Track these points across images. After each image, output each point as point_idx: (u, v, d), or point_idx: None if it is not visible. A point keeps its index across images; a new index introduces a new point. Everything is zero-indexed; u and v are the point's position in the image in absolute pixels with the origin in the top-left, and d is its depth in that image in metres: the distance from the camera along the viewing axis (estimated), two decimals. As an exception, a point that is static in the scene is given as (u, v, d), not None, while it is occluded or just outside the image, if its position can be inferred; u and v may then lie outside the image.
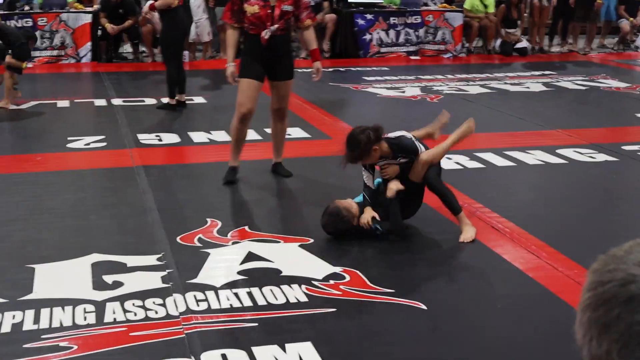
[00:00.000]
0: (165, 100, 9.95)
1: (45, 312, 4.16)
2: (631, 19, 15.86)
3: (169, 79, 9.74)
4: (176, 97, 9.80)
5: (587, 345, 1.11)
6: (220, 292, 4.44)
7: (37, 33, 13.52)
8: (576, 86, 12.30)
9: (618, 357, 1.05)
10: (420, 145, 5.53)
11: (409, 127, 9.19)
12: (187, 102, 10.04)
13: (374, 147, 5.22)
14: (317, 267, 4.82)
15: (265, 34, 6.32)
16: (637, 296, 1.06)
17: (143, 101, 10.40)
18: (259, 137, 8.47)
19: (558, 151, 7.85)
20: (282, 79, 6.62)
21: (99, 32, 13.94)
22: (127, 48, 14.87)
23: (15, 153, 7.90)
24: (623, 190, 6.67)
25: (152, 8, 9.77)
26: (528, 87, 12.07)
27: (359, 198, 5.52)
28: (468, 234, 5.29)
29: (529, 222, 5.68)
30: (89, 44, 13.86)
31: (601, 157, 7.64)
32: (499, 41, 15.75)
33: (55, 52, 13.78)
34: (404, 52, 15.46)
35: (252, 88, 6.47)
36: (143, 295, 4.39)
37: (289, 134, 8.56)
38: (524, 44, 15.63)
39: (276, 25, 6.32)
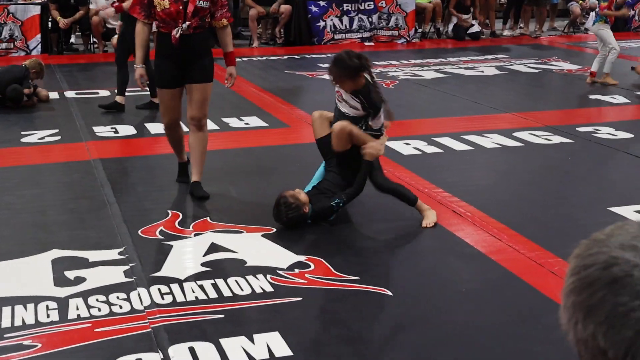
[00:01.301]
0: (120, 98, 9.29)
1: (6, 311, 4.09)
2: (581, 1, 16.04)
3: (120, 79, 9.21)
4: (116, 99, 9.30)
5: (572, 330, 1.11)
6: (185, 284, 4.40)
7: (-15, 26, 13.28)
8: (529, 69, 12.42)
9: (604, 339, 1.05)
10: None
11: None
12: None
13: (361, 74, 5.37)
14: (281, 257, 4.81)
15: (176, 33, 5.69)
16: (620, 278, 1.06)
17: (97, 93, 10.26)
18: (217, 127, 8.43)
19: (514, 134, 7.93)
20: (196, 81, 5.90)
21: (49, 24, 13.71)
22: (77, 39, 14.67)
23: (-33, 149, 7.74)
24: (580, 172, 6.76)
25: (119, 9, 9.45)
26: (482, 71, 12.17)
27: (308, 188, 5.52)
28: (429, 219, 5.33)
29: (489, 206, 5.73)
30: (38, 36, 13.62)
31: (557, 139, 7.74)
32: (451, 26, 15.84)
33: (4, 45, 13.53)
34: (358, 38, 15.47)
35: (170, 97, 5.93)
36: (106, 290, 4.34)
37: (247, 123, 8.56)
38: (476, 28, 15.73)
39: (188, 23, 5.69)
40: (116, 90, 9.34)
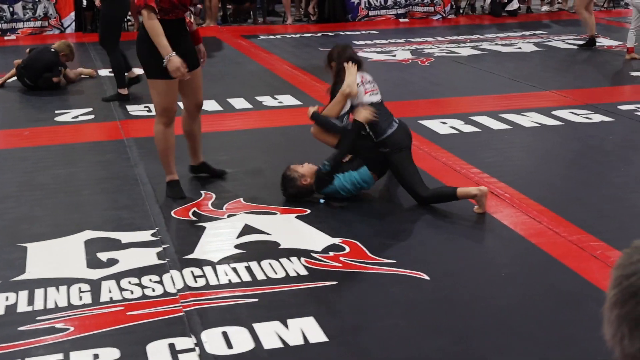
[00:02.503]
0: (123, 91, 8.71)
1: (39, 293, 4.06)
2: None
3: (116, 66, 8.60)
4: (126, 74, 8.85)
5: (618, 345, 1.02)
6: (218, 267, 4.34)
7: (19, 4, 13.30)
8: (568, 45, 12.18)
9: None
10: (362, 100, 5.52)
11: (402, 91, 9.11)
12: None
13: (330, 65, 5.74)
14: (316, 239, 4.73)
15: (190, 17, 5.40)
16: None
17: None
18: (250, 106, 8.36)
19: (554, 113, 7.76)
20: (196, 66, 5.56)
21: (84, 3, 13.71)
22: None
23: (2, 128, 7.74)
24: (621, 151, 6.58)
25: None
26: (520, 48, 11.95)
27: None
28: (481, 206, 5.09)
29: (528, 187, 5.59)
30: (72, 14, 13.64)
31: (597, 118, 7.55)
32: (488, 1, 15.59)
33: (38, 23, 13.56)
34: (393, 14, 15.29)
35: (174, 89, 5.43)
36: (139, 272, 4.29)
37: (280, 102, 8.48)
38: (514, 4, 15.46)
39: (199, 6, 5.32)
40: (117, 82, 8.70)
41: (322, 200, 5.29)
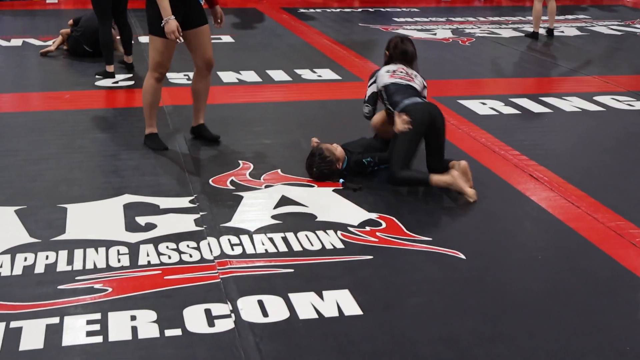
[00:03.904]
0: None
1: (78, 253, 4.11)
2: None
3: (102, 41, 8.20)
4: (124, 59, 8.68)
5: None
6: (254, 236, 4.37)
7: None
8: (611, 31, 12.02)
9: None
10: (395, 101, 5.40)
11: (442, 70, 9.07)
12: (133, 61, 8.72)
13: (385, 52, 5.75)
14: (353, 213, 4.74)
15: None
16: None
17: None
18: (289, 78, 8.36)
19: (595, 98, 7.68)
20: (202, 23, 5.81)
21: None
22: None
23: (43, 90, 7.82)
24: (663, 140, 6.50)
25: None
26: (562, 32, 11.81)
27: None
28: (466, 190, 5.01)
29: (567, 171, 5.55)
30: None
31: (639, 105, 7.46)
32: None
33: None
34: (435, -7, 15.17)
35: (170, 48, 5.71)
36: (177, 238, 4.33)
37: (319, 76, 8.47)
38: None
39: None
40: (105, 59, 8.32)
41: (341, 180, 5.27)
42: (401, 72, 5.53)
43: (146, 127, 6.02)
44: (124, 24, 8.48)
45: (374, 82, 5.56)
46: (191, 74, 8.27)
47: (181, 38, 5.57)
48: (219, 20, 5.98)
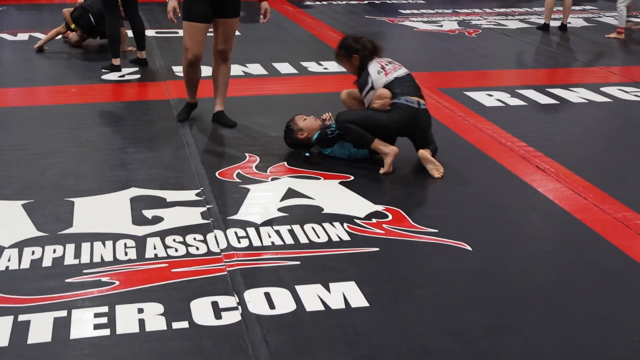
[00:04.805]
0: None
1: (86, 247, 4.13)
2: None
3: (109, 34, 8.17)
4: (137, 56, 8.58)
5: None
6: (261, 229, 4.38)
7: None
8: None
9: None
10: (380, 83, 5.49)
11: (448, 61, 9.05)
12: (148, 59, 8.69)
13: (354, 56, 5.58)
14: (359, 205, 4.74)
15: None
16: None
17: (177, 32, 10.26)
18: (295, 71, 8.36)
19: (602, 89, 7.66)
20: (228, 16, 6.05)
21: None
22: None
23: (50, 85, 7.83)
24: (670, 131, 6.48)
25: None
26: (569, 22, 11.76)
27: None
28: (387, 165, 5.29)
29: (574, 163, 5.54)
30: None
31: (647, 96, 7.44)
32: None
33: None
34: (441, -16, 15.10)
35: (197, 32, 5.95)
36: (183, 231, 4.34)
37: (325, 68, 8.45)
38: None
39: None
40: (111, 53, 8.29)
41: (307, 154, 5.48)
42: (387, 64, 5.55)
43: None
44: (135, 18, 8.42)
45: (371, 88, 5.49)
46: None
47: (175, 19, 5.89)
48: (264, 15, 6.15)
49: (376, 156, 5.46)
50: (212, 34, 6.23)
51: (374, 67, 5.51)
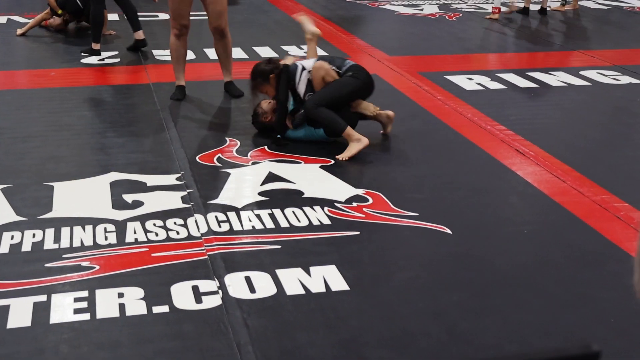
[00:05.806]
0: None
1: (65, 231, 4.11)
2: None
3: (92, 18, 8.13)
4: (134, 39, 8.47)
5: None
6: (242, 213, 4.38)
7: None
8: (597, 5, 12.02)
9: None
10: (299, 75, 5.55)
11: (428, 45, 9.05)
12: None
13: (270, 77, 5.53)
14: (339, 189, 4.75)
15: None
16: None
17: (157, 16, 10.20)
18: (276, 55, 8.33)
19: (581, 73, 7.70)
20: None
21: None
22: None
23: (29, 68, 7.77)
24: (648, 114, 6.53)
25: None
26: (549, 6, 11.79)
27: None
28: (349, 151, 5.27)
29: (553, 146, 5.57)
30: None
31: (625, 80, 7.49)
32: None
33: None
34: (422, -32, 15.08)
35: (182, 4, 6.23)
36: (164, 215, 4.33)
37: (306, 52, 8.41)
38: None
39: None
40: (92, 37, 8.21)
41: (279, 136, 5.53)
42: (302, 58, 5.73)
43: (175, 79, 6.60)
44: (125, 2, 8.40)
45: (303, 69, 5.52)
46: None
47: None
48: None
49: (336, 139, 5.46)
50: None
51: (292, 66, 5.58)
